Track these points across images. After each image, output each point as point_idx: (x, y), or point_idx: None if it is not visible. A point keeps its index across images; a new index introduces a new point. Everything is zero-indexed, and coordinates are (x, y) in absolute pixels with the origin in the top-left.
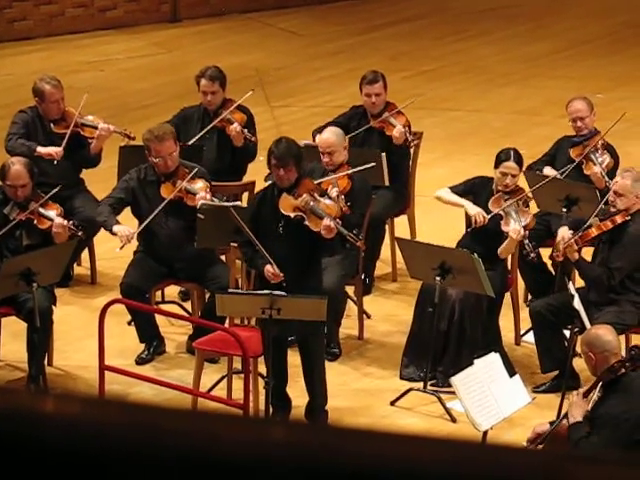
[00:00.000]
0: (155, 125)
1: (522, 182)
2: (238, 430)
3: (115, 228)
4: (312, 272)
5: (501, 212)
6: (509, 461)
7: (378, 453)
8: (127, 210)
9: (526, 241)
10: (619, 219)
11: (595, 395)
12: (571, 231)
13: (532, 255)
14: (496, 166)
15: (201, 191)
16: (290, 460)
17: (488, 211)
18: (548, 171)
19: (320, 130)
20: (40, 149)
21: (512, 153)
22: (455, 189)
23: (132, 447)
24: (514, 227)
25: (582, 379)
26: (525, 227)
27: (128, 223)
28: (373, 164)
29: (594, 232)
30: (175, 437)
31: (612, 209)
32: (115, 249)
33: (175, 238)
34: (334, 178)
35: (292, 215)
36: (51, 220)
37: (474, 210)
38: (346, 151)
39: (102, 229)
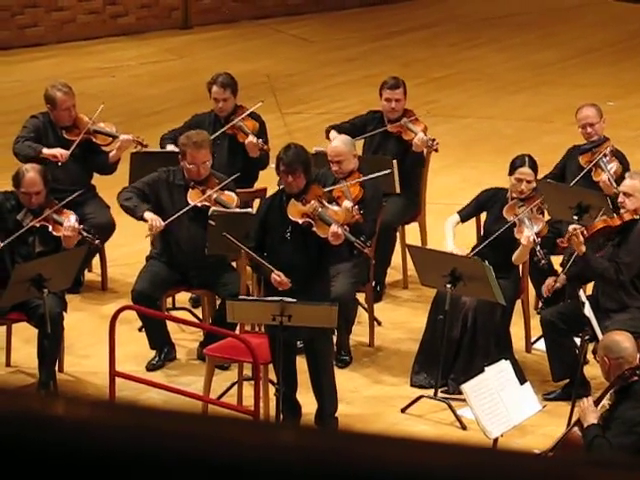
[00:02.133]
0: (193, 132)
1: None
2: (247, 434)
3: (147, 215)
4: (319, 278)
5: (515, 220)
6: (520, 467)
7: (387, 458)
8: (138, 222)
9: (537, 248)
10: (627, 216)
11: (605, 402)
12: (575, 225)
13: (543, 262)
14: (511, 172)
15: (231, 203)
16: (299, 464)
17: (503, 219)
18: None
19: (335, 127)
20: (45, 150)
21: (527, 159)
22: (463, 212)
23: (140, 450)
24: (526, 234)
25: (593, 387)
26: (537, 234)
27: (139, 228)
28: (387, 171)
29: (600, 224)
30: (184, 440)
31: (622, 210)
32: (124, 257)
33: (195, 245)
34: (345, 186)
35: (300, 221)
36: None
37: (449, 249)
38: (356, 159)
39: (112, 236)
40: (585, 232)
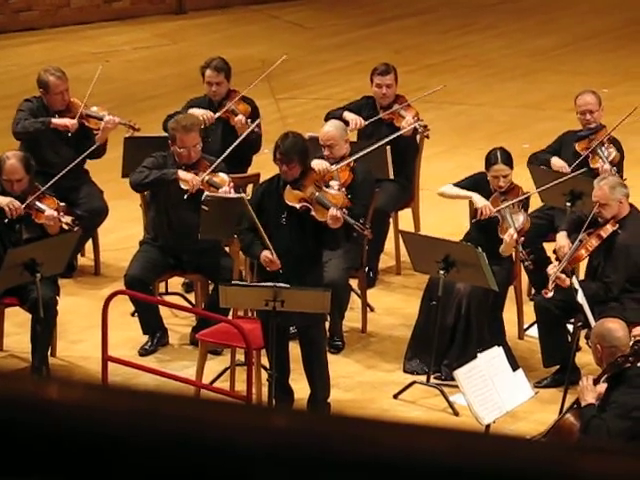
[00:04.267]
0: (181, 116)
1: (526, 177)
2: (239, 417)
3: (181, 173)
4: (313, 264)
5: (498, 215)
6: (512, 452)
7: (379, 442)
8: (131, 207)
9: (520, 248)
10: (606, 232)
11: (599, 387)
12: (555, 264)
13: (527, 263)
14: (486, 169)
15: (224, 184)
16: (291, 448)
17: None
18: (555, 161)
19: (334, 112)
20: (55, 120)
21: (499, 155)
22: (459, 185)
23: (133, 434)
24: (509, 232)
25: (583, 374)
26: (519, 232)
27: (132, 213)
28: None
29: (583, 254)
30: (176, 424)
31: (601, 219)
32: (117, 242)
33: (188, 229)
34: (336, 169)
35: (298, 206)
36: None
37: (481, 202)
38: (347, 144)
39: (105, 221)
40: (568, 266)
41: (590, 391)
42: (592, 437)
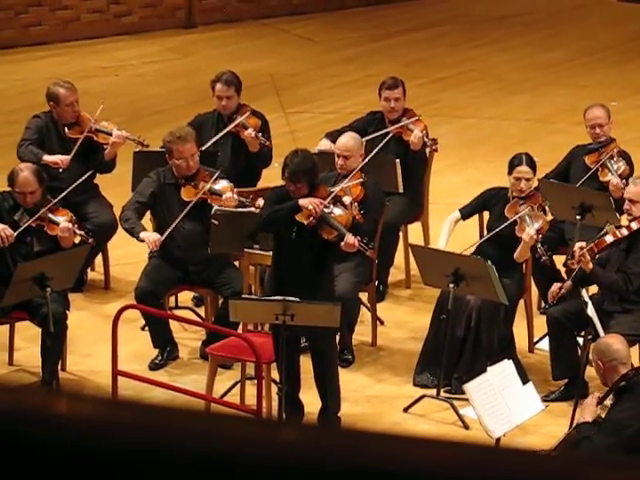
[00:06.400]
0: (175, 128)
1: None
2: (249, 431)
3: (142, 235)
4: (324, 278)
5: (516, 218)
6: (522, 466)
7: (389, 456)
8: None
9: (538, 245)
10: (635, 226)
11: (608, 402)
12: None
13: (544, 258)
14: (509, 172)
15: (227, 191)
16: (301, 462)
17: (505, 219)
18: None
19: (333, 133)
20: (46, 157)
21: (524, 158)
22: (465, 209)
23: (143, 448)
24: (527, 231)
25: (592, 388)
26: (538, 231)
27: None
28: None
29: (610, 239)
30: (186, 438)
31: (628, 217)
32: (127, 256)
33: (192, 241)
34: (347, 186)
35: (305, 222)
36: (59, 225)
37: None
38: (361, 158)
39: (115, 235)
40: (594, 248)
41: (591, 411)
42: None
